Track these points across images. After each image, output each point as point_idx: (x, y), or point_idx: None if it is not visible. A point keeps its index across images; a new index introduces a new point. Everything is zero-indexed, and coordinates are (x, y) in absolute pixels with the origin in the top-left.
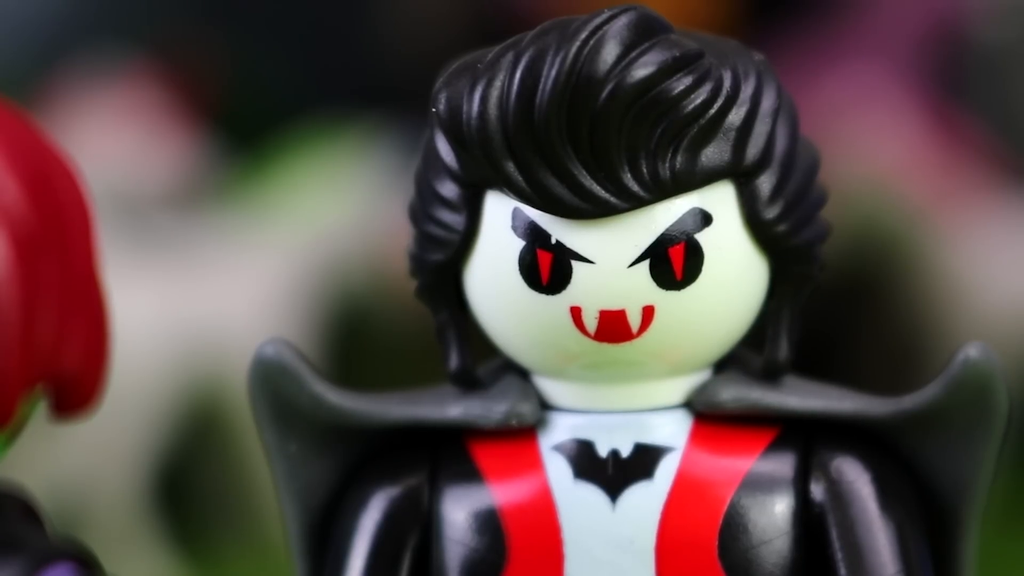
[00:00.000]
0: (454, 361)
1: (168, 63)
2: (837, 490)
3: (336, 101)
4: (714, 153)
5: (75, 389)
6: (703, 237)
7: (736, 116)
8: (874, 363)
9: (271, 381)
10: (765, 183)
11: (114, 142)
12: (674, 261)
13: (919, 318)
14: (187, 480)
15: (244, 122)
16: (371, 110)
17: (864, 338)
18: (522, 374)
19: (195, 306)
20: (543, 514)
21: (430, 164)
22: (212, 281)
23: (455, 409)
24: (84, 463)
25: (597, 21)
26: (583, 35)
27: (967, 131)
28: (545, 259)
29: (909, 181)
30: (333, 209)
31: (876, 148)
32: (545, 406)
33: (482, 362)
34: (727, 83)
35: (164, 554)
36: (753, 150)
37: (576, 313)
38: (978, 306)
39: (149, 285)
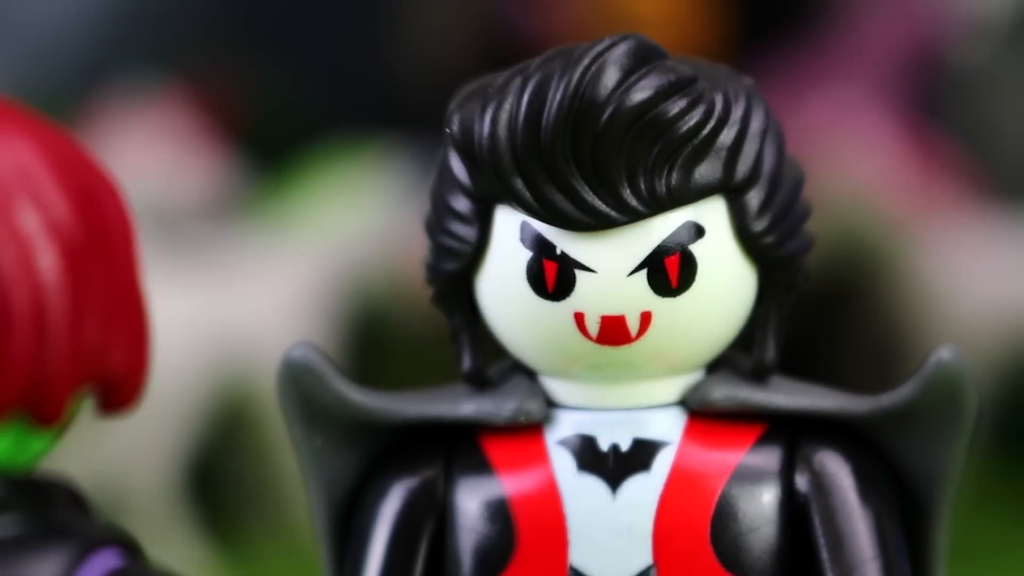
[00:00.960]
0: (467, 362)
1: (199, 86)
2: (820, 481)
3: (355, 122)
4: (706, 170)
5: (119, 388)
6: (696, 248)
7: (727, 136)
8: (855, 364)
9: (299, 381)
10: (754, 198)
11: (150, 159)
12: (670, 270)
13: (896, 323)
14: (218, 472)
15: (269, 141)
16: (387, 130)
17: (845, 341)
18: (529, 374)
19: (225, 310)
20: (549, 504)
21: (444, 181)
22: (241, 287)
23: (468, 407)
24: (123, 456)
25: (598, 49)
26: (585, 61)
27: (942, 149)
28: (551, 268)
29: (888, 196)
30: (353, 220)
31: (857, 166)
32: (551, 404)
33: (492, 363)
34: (719, 105)
35: (197, 541)
36: (743, 168)
37: (579, 318)
38: (951, 312)
39: (183, 291)
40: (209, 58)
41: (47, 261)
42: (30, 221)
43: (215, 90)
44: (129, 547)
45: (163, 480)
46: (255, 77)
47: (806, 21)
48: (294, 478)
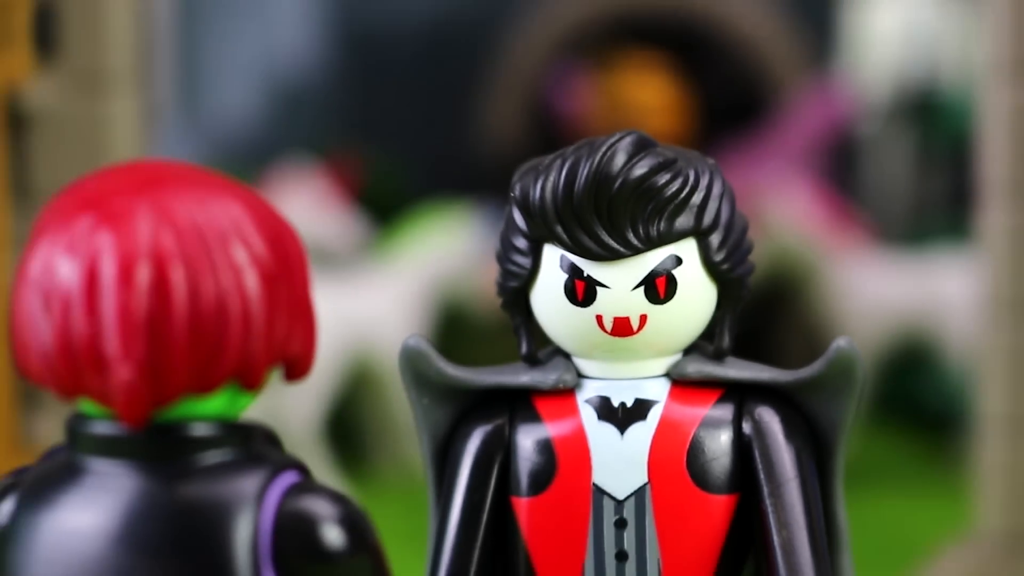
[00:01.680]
0: (524, 347)
1: (337, 165)
2: (758, 427)
3: (445, 189)
4: (683, 221)
5: (297, 365)
6: (677, 272)
7: (697, 198)
8: (785, 349)
9: (413, 360)
10: (715, 239)
11: (306, 214)
12: (659, 287)
13: (813, 321)
14: (349, 419)
15: (385, 202)
16: (468, 195)
17: (778, 333)
18: (566, 356)
19: (356, 310)
20: (579, 442)
21: (509, 227)
22: (366, 295)
23: (524, 377)
24: (284, 407)
25: (611, 140)
26: (603, 149)
27: (844, 203)
28: (580, 285)
29: (808, 235)
30: (444, 253)
31: (787, 214)
32: (580, 375)
33: (541, 348)
34: (691, 178)
35: (334, 469)
36: (707, 219)
37: (599, 319)
38: (848, 313)
39: (329, 298)
40: (343, 146)
41: (251, 282)
42: (240, 256)
43: (348, 168)
44: (304, 470)
45: (311, 424)
46: (375, 159)
47: (751, 118)
48: (406, 424)
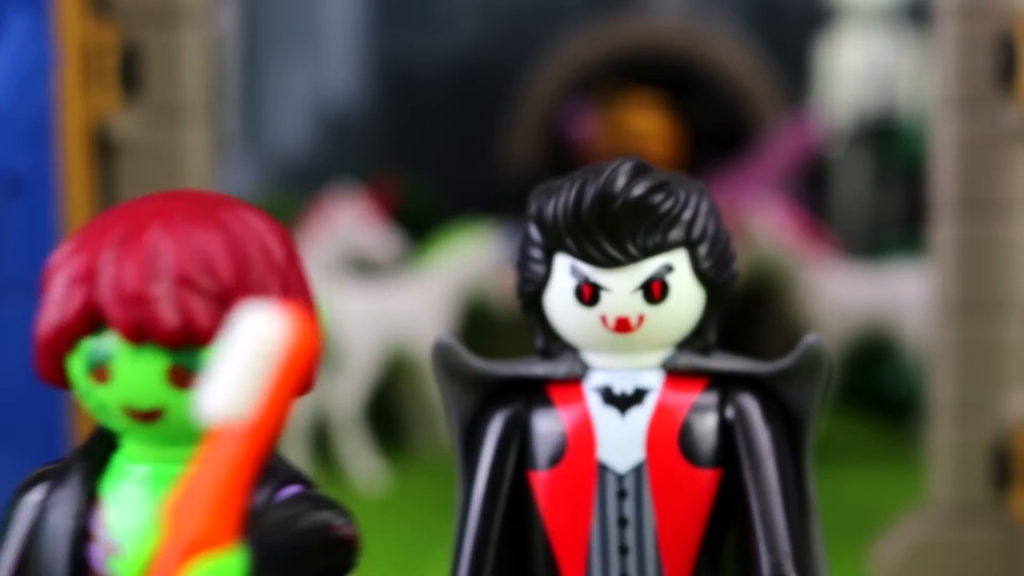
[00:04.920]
0: (539, 343)
1: (377, 188)
2: (740, 412)
3: (472, 208)
4: (675, 234)
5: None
6: (669, 278)
7: (687, 214)
8: (764, 344)
9: (444, 354)
10: (702, 250)
11: (351, 228)
12: (655, 290)
13: (789, 320)
14: (388, 405)
15: (418, 220)
16: (492, 213)
17: (759, 330)
18: (574, 350)
19: (395, 309)
20: (585, 424)
21: (527, 240)
22: (403, 297)
23: (539, 368)
24: (332, 395)
25: (614, 165)
26: (607, 173)
27: (814, 217)
28: (587, 289)
29: (784, 245)
30: (471, 261)
31: (766, 230)
32: (586, 367)
33: (553, 343)
34: (682, 197)
35: (374, 448)
36: (696, 232)
37: (603, 318)
38: (819, 314)
39: (371, 300)
40: (384, 171)
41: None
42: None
43: (387, 190)
44: (307, 482)
45: (355, 408)
46: (411, 182)
47: (734, 147)
48: (438, 409)
